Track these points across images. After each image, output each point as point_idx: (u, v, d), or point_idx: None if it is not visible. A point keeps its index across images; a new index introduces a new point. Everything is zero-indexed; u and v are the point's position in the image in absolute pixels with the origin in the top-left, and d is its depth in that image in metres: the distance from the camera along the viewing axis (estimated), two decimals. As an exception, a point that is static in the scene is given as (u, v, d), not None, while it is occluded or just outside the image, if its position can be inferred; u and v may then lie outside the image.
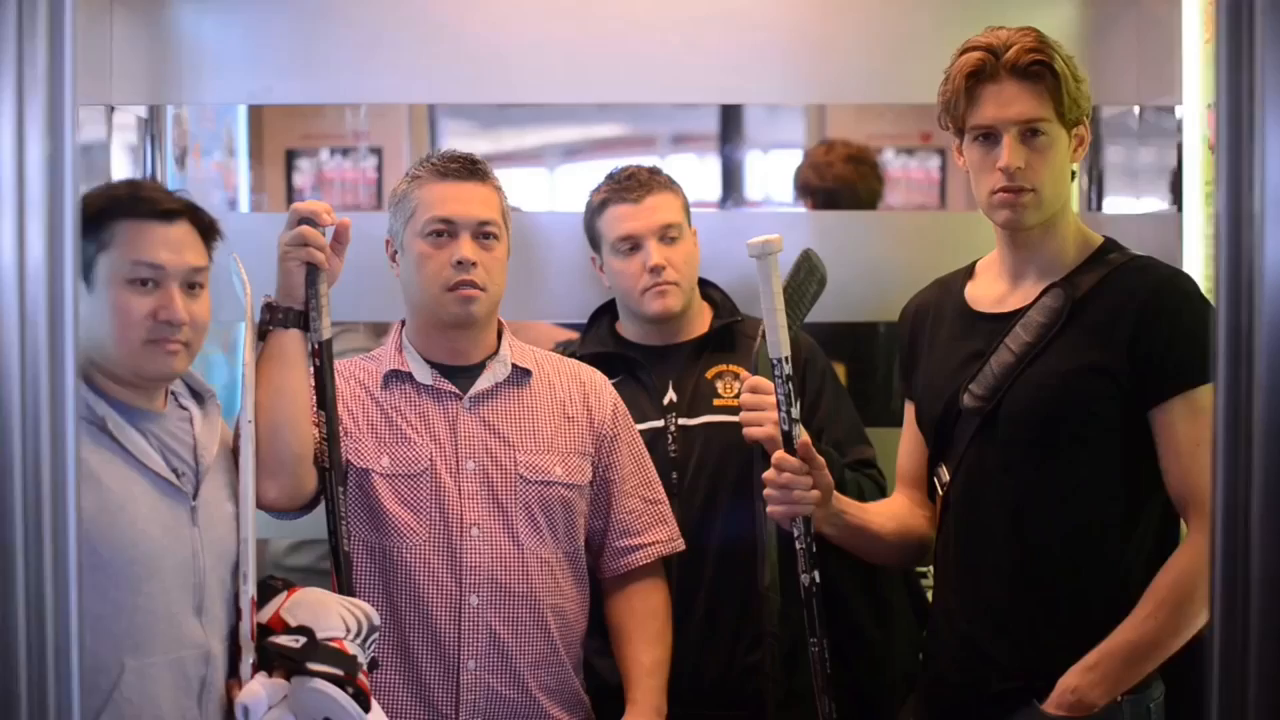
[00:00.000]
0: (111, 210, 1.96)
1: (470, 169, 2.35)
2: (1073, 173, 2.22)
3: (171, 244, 1.97)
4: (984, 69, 2.15)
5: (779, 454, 2.25)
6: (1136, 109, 3.05)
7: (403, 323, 2.42)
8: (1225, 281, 1.34)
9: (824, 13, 3.05)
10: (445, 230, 2.31)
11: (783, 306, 2.27)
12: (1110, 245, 2.23)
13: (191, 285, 1.99)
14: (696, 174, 4.72)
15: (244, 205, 4.28)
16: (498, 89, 3.10)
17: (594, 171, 2.83)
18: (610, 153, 4.58)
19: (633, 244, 2.62)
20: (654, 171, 2.68)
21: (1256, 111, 1.34)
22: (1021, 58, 2.13)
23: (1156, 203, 3.06)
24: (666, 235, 2.61)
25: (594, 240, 2.70)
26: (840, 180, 3.55)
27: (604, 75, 3.04)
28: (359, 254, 2.29)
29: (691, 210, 2.73)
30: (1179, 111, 2.93)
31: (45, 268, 1.29)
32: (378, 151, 4.57)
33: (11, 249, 1.28)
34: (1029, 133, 2.14)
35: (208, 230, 2.03)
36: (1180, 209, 2.91)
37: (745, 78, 3.06)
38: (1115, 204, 3.17)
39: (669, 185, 2.67)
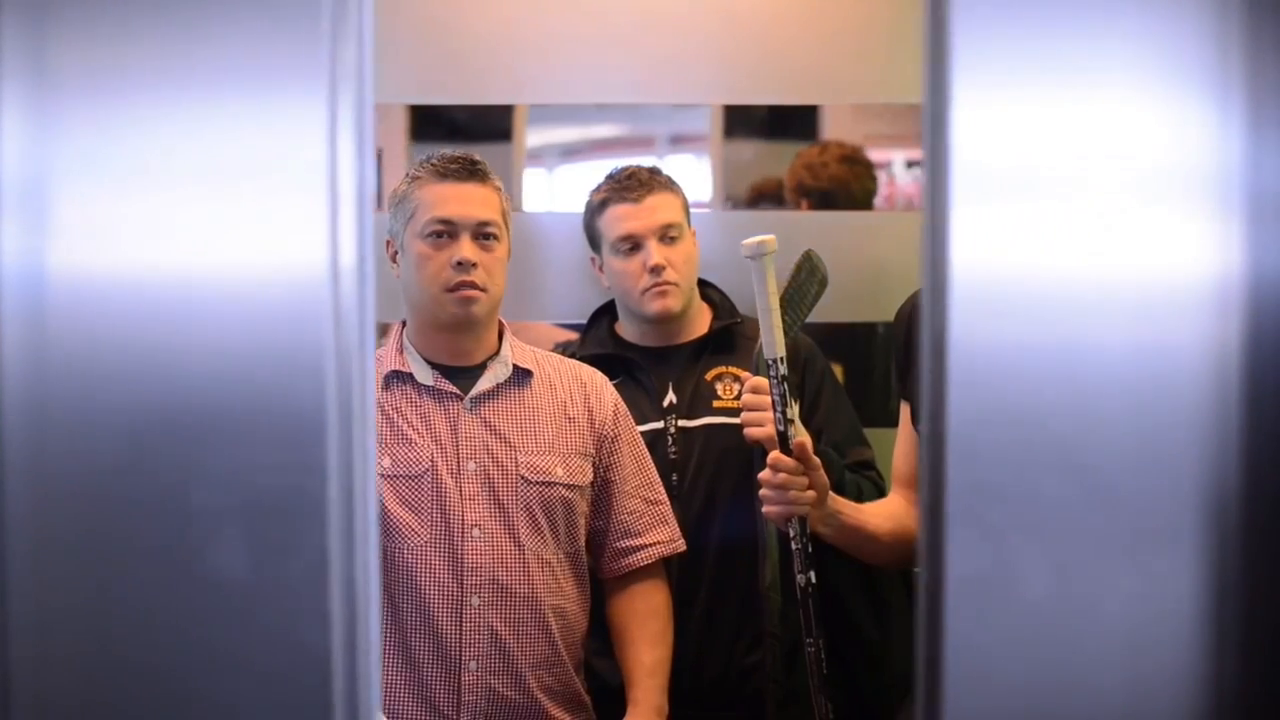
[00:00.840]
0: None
1: (470, 169, 2.35)
2: None
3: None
4: None
5: (774, 454, 2.26)
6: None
7: (403, 323, 2.43)
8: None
9: (822, 10, 3.06)
10: (445, 231, 2.31)
11: (777, 307, 2.27)
12: None
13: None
14: (695, 174, 4.73)
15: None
16: (497, 89, 3.10)
17: (593, 172, 2.83)
18: (609, 153, 4.58)
19: (633, 244, 2.62)
20: (654, 171, 2.69)
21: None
22: None
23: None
24: (667, 235, 2.62)
25: (593, 240, 2.71)
26: (835, 180, 3.56)
27: (601, 75, 3.05)
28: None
29: (690, 210, 2.73)
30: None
31: (356, 269, 1.26)
32: (378, 152, 4.57)
33: (325, 250, 1.26)
34: None
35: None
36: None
37: (743, 77, 3.07)
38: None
39: (669, 185, 2.67)
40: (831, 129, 4.51)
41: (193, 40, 1.26)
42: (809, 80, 3.11)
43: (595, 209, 2.69)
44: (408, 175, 2.40)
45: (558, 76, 3.04)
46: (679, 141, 4.73)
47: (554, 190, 4.89)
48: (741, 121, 4.59)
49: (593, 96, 3.32)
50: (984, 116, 1.29)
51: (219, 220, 1.26)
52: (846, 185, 3.56)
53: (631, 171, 2.67)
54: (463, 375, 2.37)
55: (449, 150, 2.40)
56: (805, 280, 2.43)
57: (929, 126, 1.31)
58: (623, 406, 2.49)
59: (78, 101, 1.26)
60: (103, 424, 1.26)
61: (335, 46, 1.26)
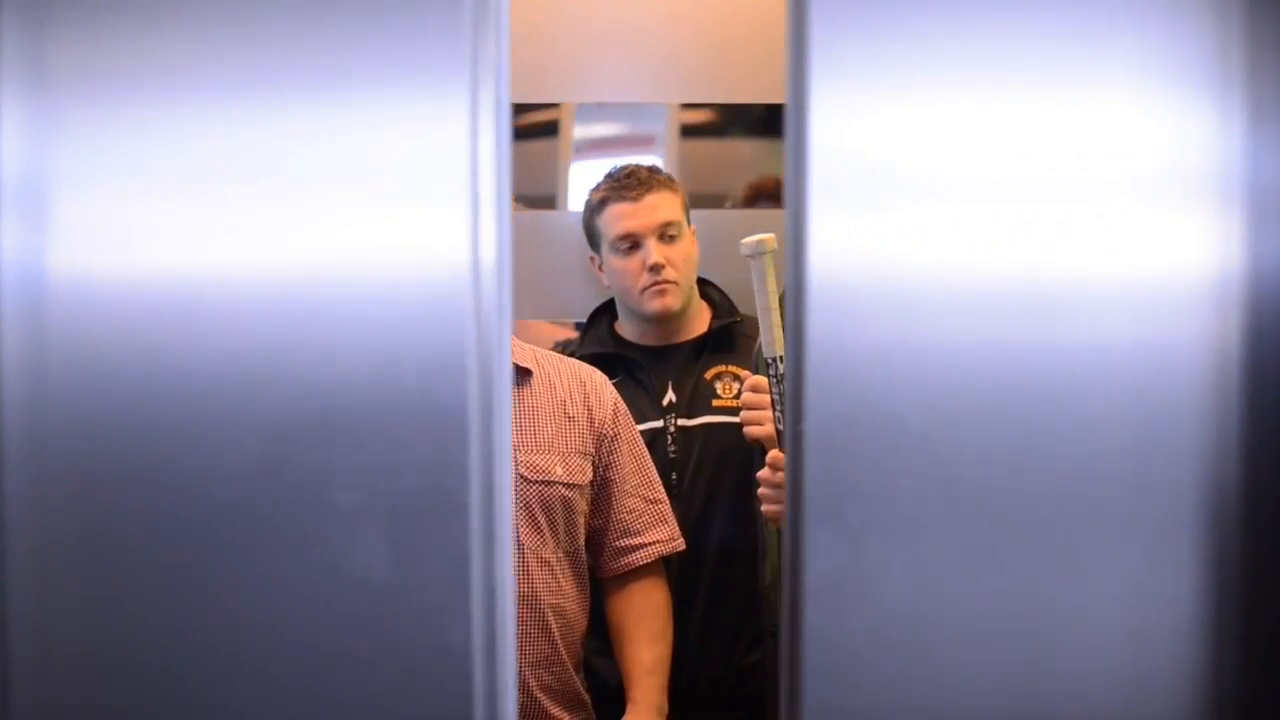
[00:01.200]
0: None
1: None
2: None
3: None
4: None
5: (773, 453, 2.26)
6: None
7: None
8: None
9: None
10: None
11: (776, 306, 2.27)
12: None
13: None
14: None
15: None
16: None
17: (593, 170, 2.83)
18: (608, 151, 4.57)
19: (632, 242, 2.61)
20: (653, 170, 2.68)
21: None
22: None
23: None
24: (666, 234, 2.61)
25: (592, 239, 2.70)
26: None
27: (602, 72, 3.05)
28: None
29: (690, 209, 2.73)
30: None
31: (495, 267, 1.26)
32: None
33: (467, 247, 1.26)
34: None
35: None
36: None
37: (743, 74, 3.07)
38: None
39: (668, 184, 2.66)
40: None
41: (324, 38, 1.26)
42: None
43: (594, 208, 2.68)
44: None
45: (556, 75, 3.04)
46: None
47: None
48: (699, 122, 4.59)
49: (593, 95, 3.32)
50: (843, 117, 1.29)
51: (362, 220, 1.26)
52: None
53: (631, 170, 2.67)
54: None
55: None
56: None
57: (791, 128, 1.30)
58: (622, 406, 2.48)
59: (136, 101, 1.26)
60: (245, 426, 1.25)
61: (476, 42, 1.25)
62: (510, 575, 1.27)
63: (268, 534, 1.25)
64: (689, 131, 4.95)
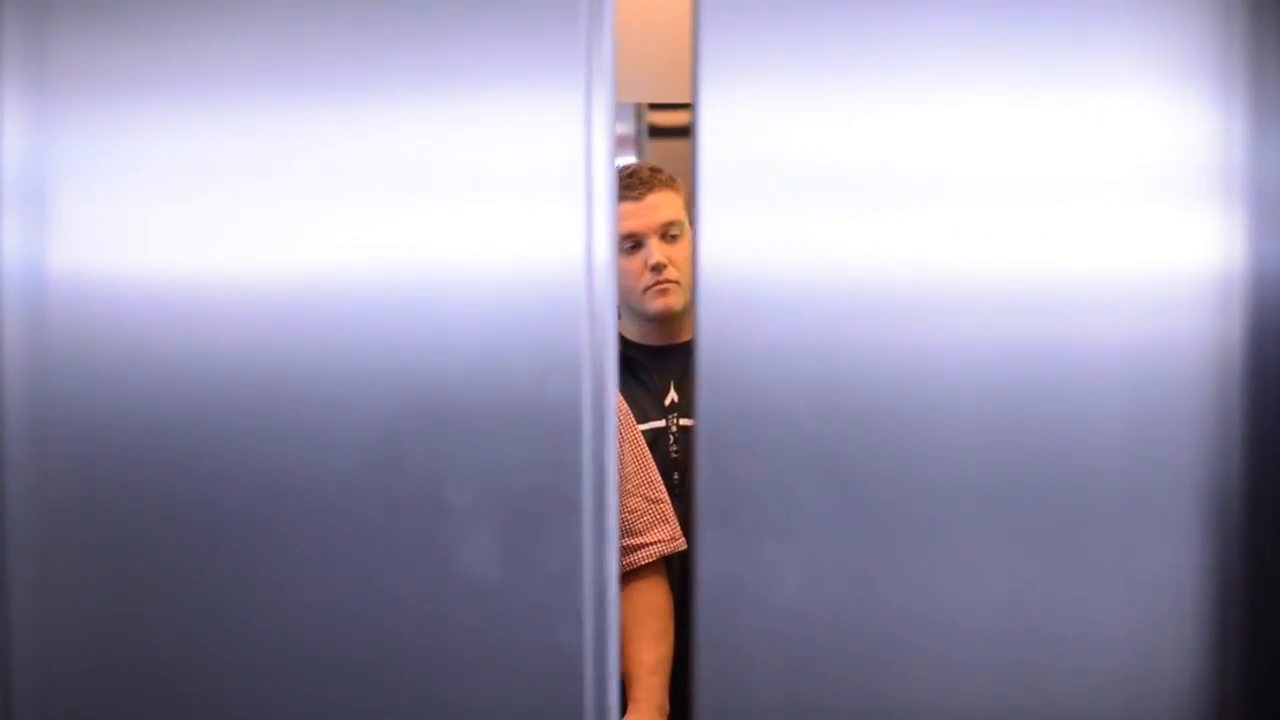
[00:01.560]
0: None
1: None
2: None
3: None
4: None
5: None
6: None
7: None
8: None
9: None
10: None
11: None
12: None
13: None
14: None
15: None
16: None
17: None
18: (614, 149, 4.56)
19: (634, 242, 2.62)
20: (655, 170, 2.69)
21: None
22: None
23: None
24: (668, 233, 2.62)
25: None
26: None
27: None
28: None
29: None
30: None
31: (608, 265, 1.26)
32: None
33: (580, 243, 1.26)
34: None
35: None
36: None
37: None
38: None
39: (670, 183, 2.68)
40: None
41: (438, 35, 1.24)
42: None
43: None
44: None
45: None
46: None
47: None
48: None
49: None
50: (731, 117, 1.31)
51: (477, 219, 1.24)
52: None
53: (633, 170, 2.68)
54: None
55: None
56: None
57: (692, 128, 1.32)
58: (623, 405, 2.48)
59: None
60: (354, 427, 1.24)
61: (590, 41, 1.25)
62: (616, 575, 1.27)
63: (380, 534, 1.24)
64: (657, 133, 4.95)
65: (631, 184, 2.65)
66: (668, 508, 2.49)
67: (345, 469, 1.24)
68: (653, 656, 2.40)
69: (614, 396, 1.26)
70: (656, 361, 2.69)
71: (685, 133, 4.74)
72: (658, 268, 2.61)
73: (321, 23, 1.24)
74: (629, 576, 2.44)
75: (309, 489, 1.24)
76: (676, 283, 2.62)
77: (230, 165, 1.24)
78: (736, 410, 1.29)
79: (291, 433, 1.23)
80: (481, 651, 1.26)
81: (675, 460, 2.60)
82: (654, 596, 2.45)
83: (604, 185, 1.26)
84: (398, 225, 1.25)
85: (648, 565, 2.45)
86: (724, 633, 1.31)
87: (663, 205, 2.64)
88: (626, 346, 2.71)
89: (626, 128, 4.73)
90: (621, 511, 2.43)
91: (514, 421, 1.25)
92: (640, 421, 2.54)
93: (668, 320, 2.67)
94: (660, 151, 4.70)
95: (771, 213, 1.30)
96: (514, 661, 1.26)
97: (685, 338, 2.71)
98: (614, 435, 1.26)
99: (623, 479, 2.43)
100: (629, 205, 2.62)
